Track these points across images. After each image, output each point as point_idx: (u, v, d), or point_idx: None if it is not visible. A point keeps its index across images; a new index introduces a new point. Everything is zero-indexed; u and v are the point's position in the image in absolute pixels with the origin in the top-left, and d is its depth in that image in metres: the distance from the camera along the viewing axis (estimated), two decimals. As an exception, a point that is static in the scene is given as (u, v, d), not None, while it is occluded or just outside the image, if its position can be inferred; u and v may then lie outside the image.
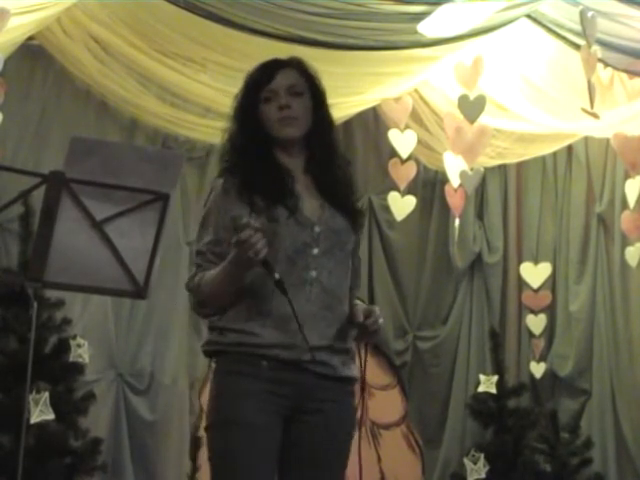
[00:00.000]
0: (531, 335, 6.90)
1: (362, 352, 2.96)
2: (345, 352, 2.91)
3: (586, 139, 6.76)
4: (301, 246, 2.83)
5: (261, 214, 2.81)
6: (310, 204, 2.89)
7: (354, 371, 2.95)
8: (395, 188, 6.58)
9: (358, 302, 2.97)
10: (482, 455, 6.21)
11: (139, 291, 2.61)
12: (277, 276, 2.73)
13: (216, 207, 2.88)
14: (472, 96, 5.99)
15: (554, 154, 6.93)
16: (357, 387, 3.01)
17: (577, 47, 5.57)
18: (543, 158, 6.95)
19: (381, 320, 2.87)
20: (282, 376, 2.80)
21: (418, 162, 6.71)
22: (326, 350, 2.84)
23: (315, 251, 2.84)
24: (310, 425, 2.85)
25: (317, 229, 2.86)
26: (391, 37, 5.64)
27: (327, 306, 2.84)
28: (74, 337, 5.53)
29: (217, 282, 2.79)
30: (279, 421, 2.81)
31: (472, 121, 6.01)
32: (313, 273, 2.83)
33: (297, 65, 2.99)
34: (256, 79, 2.95)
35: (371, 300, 6.89)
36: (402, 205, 6.59)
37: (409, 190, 6.60)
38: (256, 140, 2.91)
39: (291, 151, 2.94)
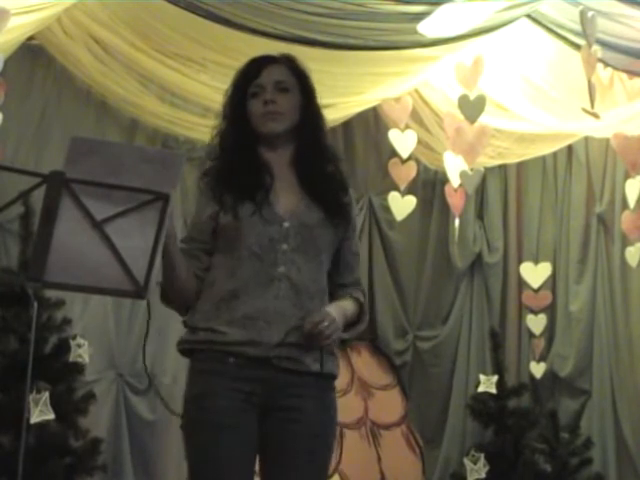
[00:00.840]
0: (531, 335, 6.90)
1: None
2: (318, 348, 2.84)
3: (586, 139, 6.77)
4: (267, 242, 2.83)
5: (228, 212, 2.85)
6: (286, 199, 2.89)
7: (330, 367, 2.88)
8: (395, 188, 6.58)
9: (345, 302, 2.92)
10: (482, 455, 6.21)
11: (139, 291, 2.60)
12: None
13: (196, 207, 2.95)
14: (472, 96, 5.98)
15: (554, 154, 6.94)
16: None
17: (577, 47, 5.57)
18: (543, 158, 6.96)
19: (326, 323, 2.77)
20: (250, 373, 2.79)
21: (418, 162, 6.72)
22: (295, 347, 2.81)
23: (284, 247, 2.84)
24: (287, 422, 2.83)
25: (286, 224, 2.85)
26: (391, 37, 5.63)
27: (296, 303, 2.82)
28: (74, 337, 5.52)
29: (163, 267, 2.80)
30: (252, 418, 2.80)
31: (472, 121, 6.01)
32: (282, 269, 2.82)
33: (287, 62, 3.00)
34: (244, 74, 2.97)
35: (371, 300, 6.89)
36: (402, 205, 6.59)
37: (409, 190, 6.60)
38: (242, 136, 2.92)
39: (275, 146, 2.94)
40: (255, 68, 2.96)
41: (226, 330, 2.80)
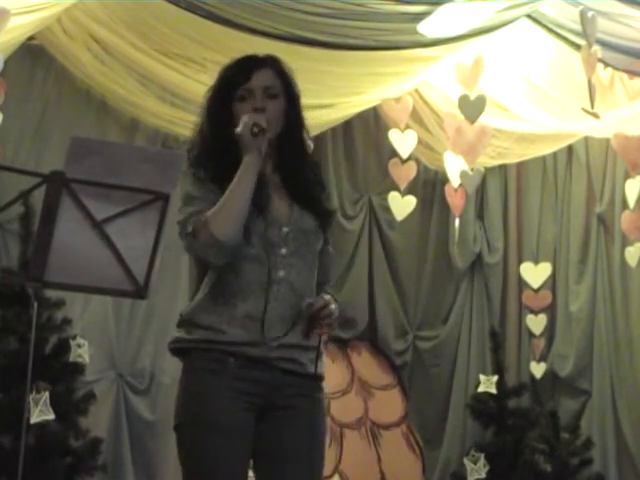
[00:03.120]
0: (531, 335, 6.90)
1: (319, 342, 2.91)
2: (313, 349, 2.86)
3: (586, 139, 6.77)
4: (268, 246, 2.83)
5: None
6: (279, 204, 2.89)
7: (323, 368, 2.92)
8: (395, 188, 6.58)
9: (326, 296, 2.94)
10: (482, 455, 6.22)
11: (139, 291, 2.61)
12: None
13: (197, 190, 2.84)
14: (472, 96, 5.99)
15: (554, 154, 6.94)
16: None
17: (577, 47, 5.57)
18: (543, 158, 6.96)
19: (333, 307, 2.81)
20: (250, 374, 2.80)
21: (418, 162, 6.72)
22: (295, 348, 2.83)
23: (283, 251, 2.85)
24: (281, 421, 2.84)
25: (285, 229, 2.86)
26: (391, 37, 5.64)
27: (294, 305, 2.83)
28: (74, 337, 5.52)
29: (231, 188, 2.75)
30: (250, 419, 2.80)
31: (472, 121, 6.01)
32: (281, 273, 2.83)
33: (273, 65, 2.96)
34: (232, 76, 2.93)
35: (371, 300, 6.89)
36: (402, 205, 6.59)
37: (409, 190, 6.60)
38: (227, 137, 2.87)
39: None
40: (244, 71, 2.91)
41: (226, 329, 2.80)
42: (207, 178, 2.86)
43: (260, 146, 2.78)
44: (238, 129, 2.78)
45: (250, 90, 2.89)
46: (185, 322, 2.87)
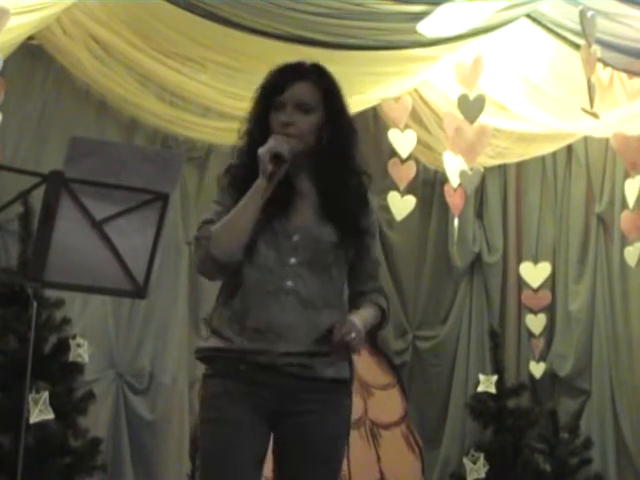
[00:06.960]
0: (531, 335, 6.90)
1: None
2: (322, 354, 2.86)
3: (586, 139, 6.76)
4: (276, 255, 2.83)
5: None
6: (302, 213, 2.88)
7: (342, 372, 2.92)
8: (395, 188, 6.58)
9: (366, 310, 2.91)
10: (482, 455, 6.22)
11: (139, 291, 2.61)
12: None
13: (220, 197, 2.89)
14: (472, 96, 5.98)
15: (554, 154, 6.93)
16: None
17: (577, 47, 5.57)
18: (543, 158, 6.95)
19: (353, 335, 2.79)
20: (261, 378, 2.82)
21: (418, 162, 6.71)
22: (304, 355, 2.83)
23: (292, 260, 2.83)
24: (298, 427, 2.86)
25: (295, 238, 2.84)
26: (391, 37, 5.63)
27: (302, 316, 2.82)
28: (74, 337, 5.52)
29: (237, 209, 2.78)
30: (262, 421, 2.83)
31: (472, 121, 6.01)
32: (290, 283, 2.82)
33: (315, 76, 2.95)
34: (270, 86, 2.94)
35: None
36: (402, 205, 6.59)
37: (409, 190, 6.60)
38: (258, 144, 2.87)
39: (295, 161, 2.87)
40: (280, 82, 2.92)
41: (235, 339, 2.82)
42: (232, 185, 2.88)
43: (274, 173, 2.78)
44: (260, 150, 2.79)
45: (282, 103, 2.90)
46: (207, 325, 2.92)
